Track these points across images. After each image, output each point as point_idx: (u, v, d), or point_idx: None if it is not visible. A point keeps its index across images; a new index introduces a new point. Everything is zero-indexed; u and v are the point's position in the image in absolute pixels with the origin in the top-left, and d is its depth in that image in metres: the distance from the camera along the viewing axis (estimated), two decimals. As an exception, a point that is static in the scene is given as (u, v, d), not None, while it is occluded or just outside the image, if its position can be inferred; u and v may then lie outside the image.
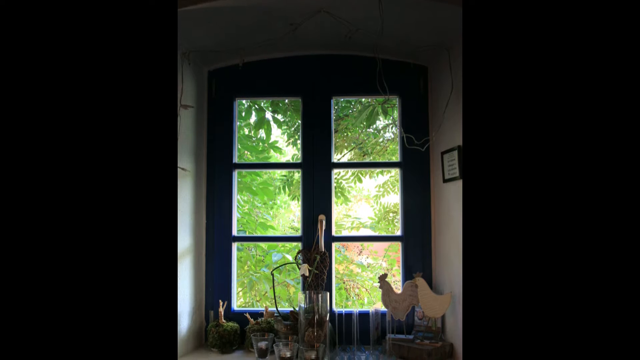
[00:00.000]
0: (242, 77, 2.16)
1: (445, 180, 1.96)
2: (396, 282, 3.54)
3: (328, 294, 1.76)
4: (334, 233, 2.10)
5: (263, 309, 2.06)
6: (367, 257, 4.27)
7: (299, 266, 2.02)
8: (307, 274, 1.87)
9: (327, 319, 1.72)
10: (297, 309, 1.91)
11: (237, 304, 2.13)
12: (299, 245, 2.11)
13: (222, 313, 1.97)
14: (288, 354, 1.62)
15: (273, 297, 1.90)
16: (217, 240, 2.10)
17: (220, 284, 2.08)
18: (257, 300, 3.04)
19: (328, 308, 1.75)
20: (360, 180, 3.72)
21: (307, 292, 1.79)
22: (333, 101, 2.18)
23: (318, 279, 2.00)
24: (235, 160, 2.17)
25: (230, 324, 1.96)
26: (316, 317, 1.70)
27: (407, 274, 2.07)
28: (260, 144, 3.34)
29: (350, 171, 3.71)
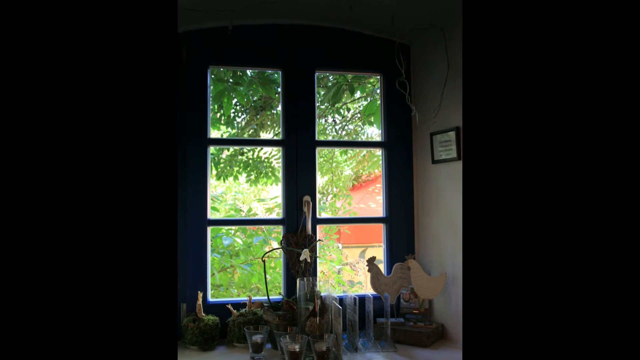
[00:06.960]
0: (217, 43, 1.93)
1: (434, 162, 1.92)
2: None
3: (329, 280, 1.65)
4: (317, 215, 1.98)
5: (239, 299, 1.90)
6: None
7: (285, 251, 1.87)
8: (309, 259, 1.73)
9: (332, 306, 1.60)
10: (285, 297, 1.77)
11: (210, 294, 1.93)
12: (269, 228, 1.96)
13: (201, 306, 1.77)
14: (297, 348, 1.46)
15: (265, 285, 1.73)
16: (190, 224, 1.88)
17: (194, 273, 1.87)
18: (226, 290, 2.80)
19: (333, 294, 1.63)
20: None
21: (305, 278, 1.66)
22: (317, 75, 2.04)
23: (306, 264, 1.86)
24: (210, 135, 1.95)
25: (211, 317, 1.77)
26: (318, 305, 1.58)
27: (392, 257, 2.01)
28: (223, 118, 3.05)
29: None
